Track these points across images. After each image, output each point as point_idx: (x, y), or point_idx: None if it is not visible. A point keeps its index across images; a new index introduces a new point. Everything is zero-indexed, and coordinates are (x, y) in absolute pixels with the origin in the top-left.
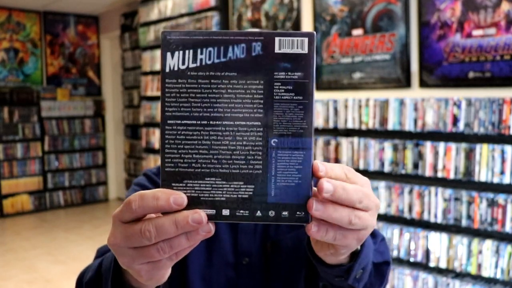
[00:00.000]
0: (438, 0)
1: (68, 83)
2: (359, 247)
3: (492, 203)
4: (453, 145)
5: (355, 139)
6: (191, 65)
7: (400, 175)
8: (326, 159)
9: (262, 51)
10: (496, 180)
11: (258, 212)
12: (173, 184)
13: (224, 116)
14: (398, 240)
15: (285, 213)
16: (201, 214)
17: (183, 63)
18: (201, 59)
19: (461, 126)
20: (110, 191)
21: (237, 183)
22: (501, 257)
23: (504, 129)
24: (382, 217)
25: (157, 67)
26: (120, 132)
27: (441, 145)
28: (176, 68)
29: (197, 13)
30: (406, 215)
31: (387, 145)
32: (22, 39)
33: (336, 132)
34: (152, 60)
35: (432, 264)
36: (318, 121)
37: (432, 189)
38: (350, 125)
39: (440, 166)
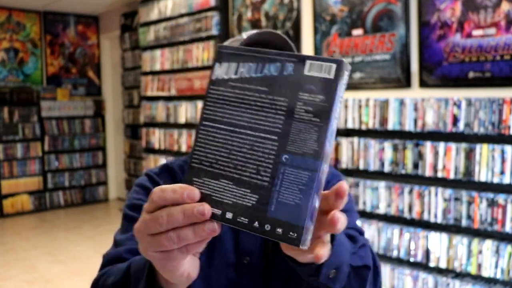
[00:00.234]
0: (438, 0)
1: (68, 83)
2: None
3: (492, 203)
4: (453, 145)
5: (355, 139)
6: (232, 76)
7: (400, 175)
8: None
9: (293, 71)
10: (496, 180)
11: (256, 223)
12: (194, 179)
13: (249, 125)
14: (398, 240)
15: (279, 230)
16: (205, 207)
17: (227, 74)
18: (241, 72)
19: (461, 126)
20: (110, 191)
21: (244, 190)
22: (501, 257)
23: (504, 129)
24: (382, 217)
25: (157, 67)
26: (120, 132)
27: (441, 145)
28: (220, 77)
29: (197, 13)
30: (406, 215)
31: (387, 145)
32: (22, 39)
33: (336, 132)
34: (152, 60)
35: (432, 264)
36: None
37: (432, 189)
38: (350, 125)
39: (440, 166)
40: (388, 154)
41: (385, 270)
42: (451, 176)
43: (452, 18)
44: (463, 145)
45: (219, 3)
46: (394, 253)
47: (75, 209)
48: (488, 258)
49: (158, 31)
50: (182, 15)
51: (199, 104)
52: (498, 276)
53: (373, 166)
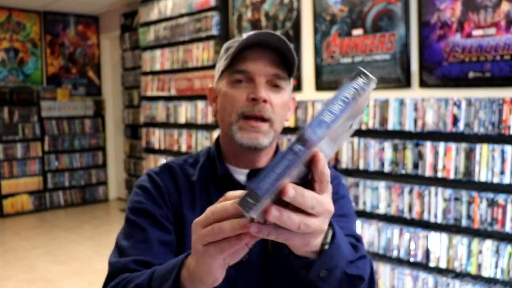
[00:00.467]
0: (438, 0)
1: (68, 83)
2: (326, 247)
3: (492, 203)
4: (453, 145)
5: (355, 139)
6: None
7: (400, 175)
8: None
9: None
10: (496, 180)
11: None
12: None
13: None
14: (398, 240)
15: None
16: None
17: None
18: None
19: (461, 126)
20: (110, 191)
21: None
22: (501, 257)
23: (504, 129)
24: (382, 217)
25: (157, 67)
26: (120, 132)
27: (441, 145)
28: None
29: (197, 13)
30: (406, 215)
31: (387, 145)
32: (22, 39)
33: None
34: (152, 60)
35: (432, 264)
36: None
37: (432, 189)
38: None
39: (440, 166)
40: (388, 154)
41: (385, 270)
42: (451, 176)
43: (452, 18)
44: (463, 145)
45: (219, 3)
46: (394, 253)
47: (75, 209)
48: (488, 258)
49: (158, 31)
50: (182, 15)
51: (199, 104)
52: (498, 276)
53: (373, 166)
